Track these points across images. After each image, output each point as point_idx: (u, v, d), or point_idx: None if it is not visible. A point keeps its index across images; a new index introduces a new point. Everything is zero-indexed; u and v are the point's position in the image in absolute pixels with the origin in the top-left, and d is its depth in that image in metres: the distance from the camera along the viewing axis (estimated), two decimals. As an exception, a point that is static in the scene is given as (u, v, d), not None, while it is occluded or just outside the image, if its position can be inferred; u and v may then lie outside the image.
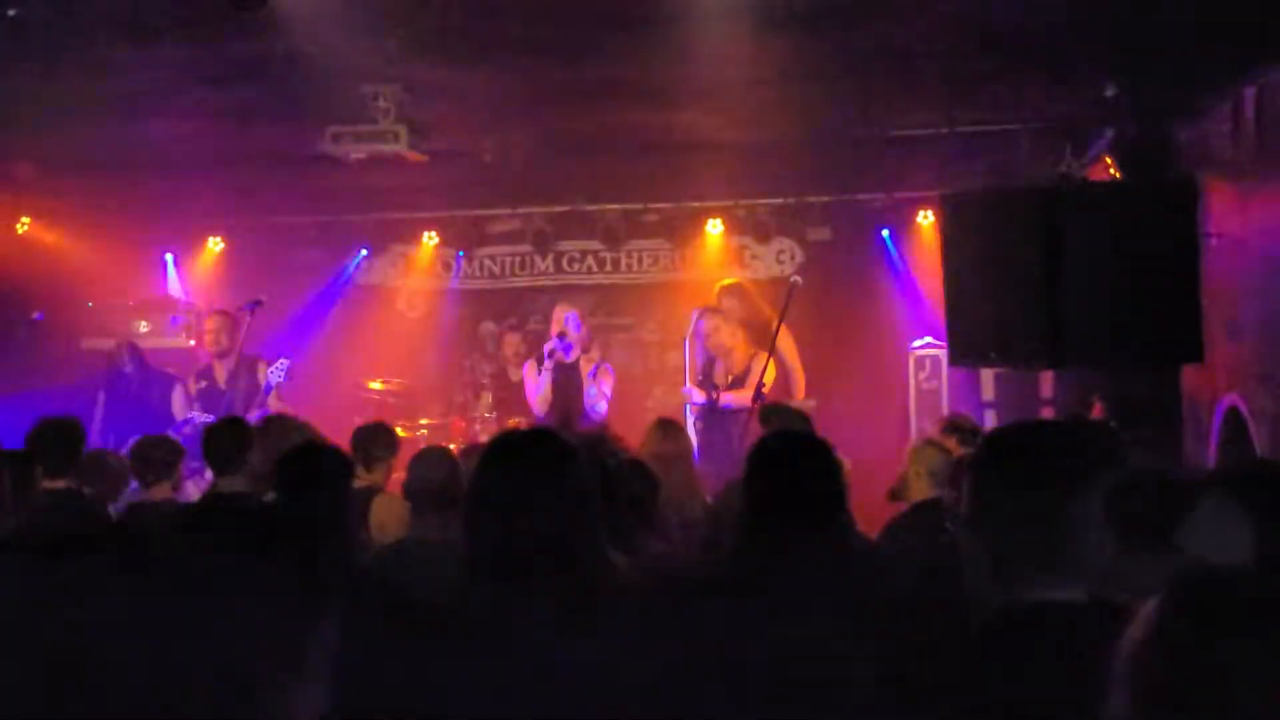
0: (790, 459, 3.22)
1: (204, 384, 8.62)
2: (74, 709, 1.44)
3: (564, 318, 8.96)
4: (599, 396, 8.74)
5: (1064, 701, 1.96)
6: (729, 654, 2.54)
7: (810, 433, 3.44)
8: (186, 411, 8.46)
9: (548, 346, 8.76)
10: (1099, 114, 7.32)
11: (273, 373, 8.22)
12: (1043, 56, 6.55)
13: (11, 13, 5.13)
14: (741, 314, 9.11)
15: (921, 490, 5.31)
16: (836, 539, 3.12)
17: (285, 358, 8.33)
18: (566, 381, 8.77)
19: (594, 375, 8.84)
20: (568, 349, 8.78)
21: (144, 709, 1.45)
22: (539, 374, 8.79)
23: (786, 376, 8.80)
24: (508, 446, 2.71)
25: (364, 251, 11.40)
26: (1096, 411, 7.00)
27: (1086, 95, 7.08)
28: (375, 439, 5.86)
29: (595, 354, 9.19)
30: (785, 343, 8.82)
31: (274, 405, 8.23)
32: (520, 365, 9.88)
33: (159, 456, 5.81)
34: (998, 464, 2.28)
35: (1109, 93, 6.83)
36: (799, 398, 8.61)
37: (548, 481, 2.50)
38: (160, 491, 5.69)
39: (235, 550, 2.09)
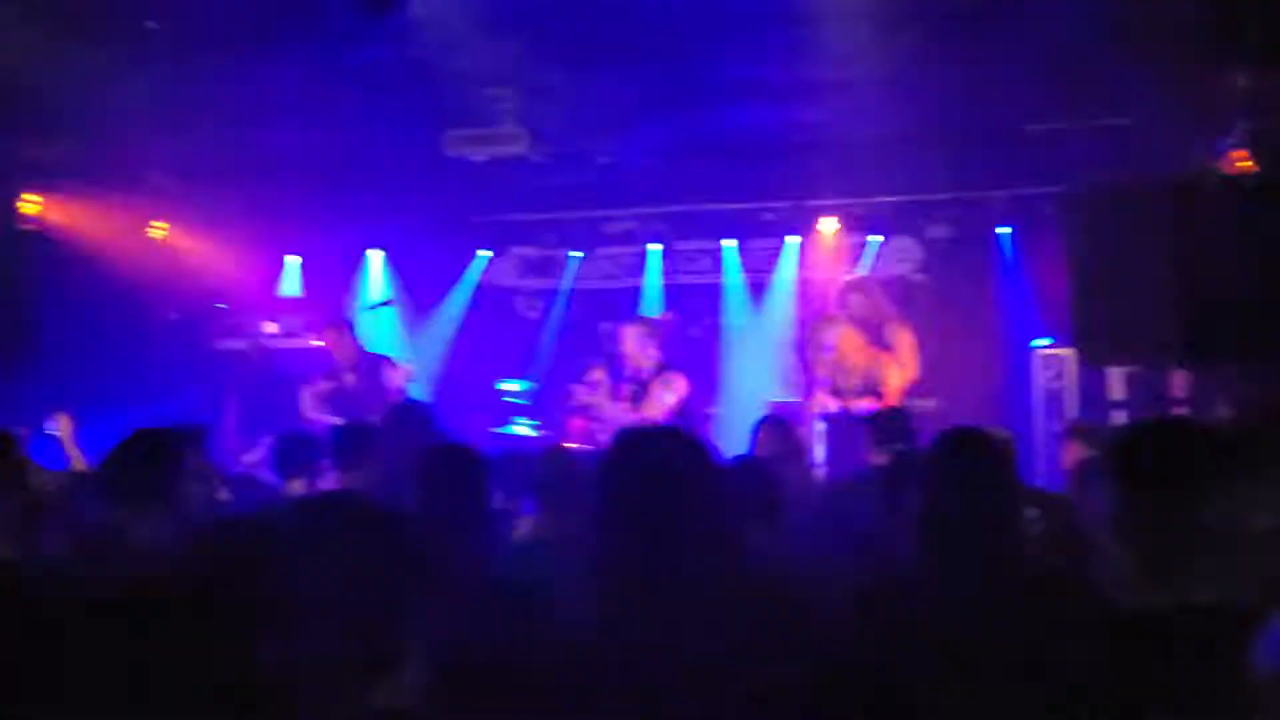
0: (967, 460, 3.14)
1: (332, 385, 8.80)
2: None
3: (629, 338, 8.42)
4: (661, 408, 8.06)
5: (1203, 707, 1.92)
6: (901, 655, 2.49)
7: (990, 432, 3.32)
8: (313, 412, 8.63)
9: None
10: (1232, 106, 7.12)
11: (398, 378, 8.37)
12: (1173, 48, 6.40)
13: (151, 25, 5.31)
14: (865, 312, 8.99)
15: None
16: (1008, 543, 3.03)
17: (410, 365, 8.48)
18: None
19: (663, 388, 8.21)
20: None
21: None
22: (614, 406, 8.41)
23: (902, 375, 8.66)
24: (635, 446, 2.69)
25: (489, 253, 11.52)
26: (1223, 413, 6.81)
27: (1219, 87, 6.90)
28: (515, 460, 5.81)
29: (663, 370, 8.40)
30: (903, 341, 8.71)
31: None
32: (636, 361, 9.85)
33: (299, 452, 5.89)
34: (1138, 463, 2.24)
35: (1243, 84, 6.64)
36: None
37: (684, 483, 2.49)
38: (299, 486, 5.78)
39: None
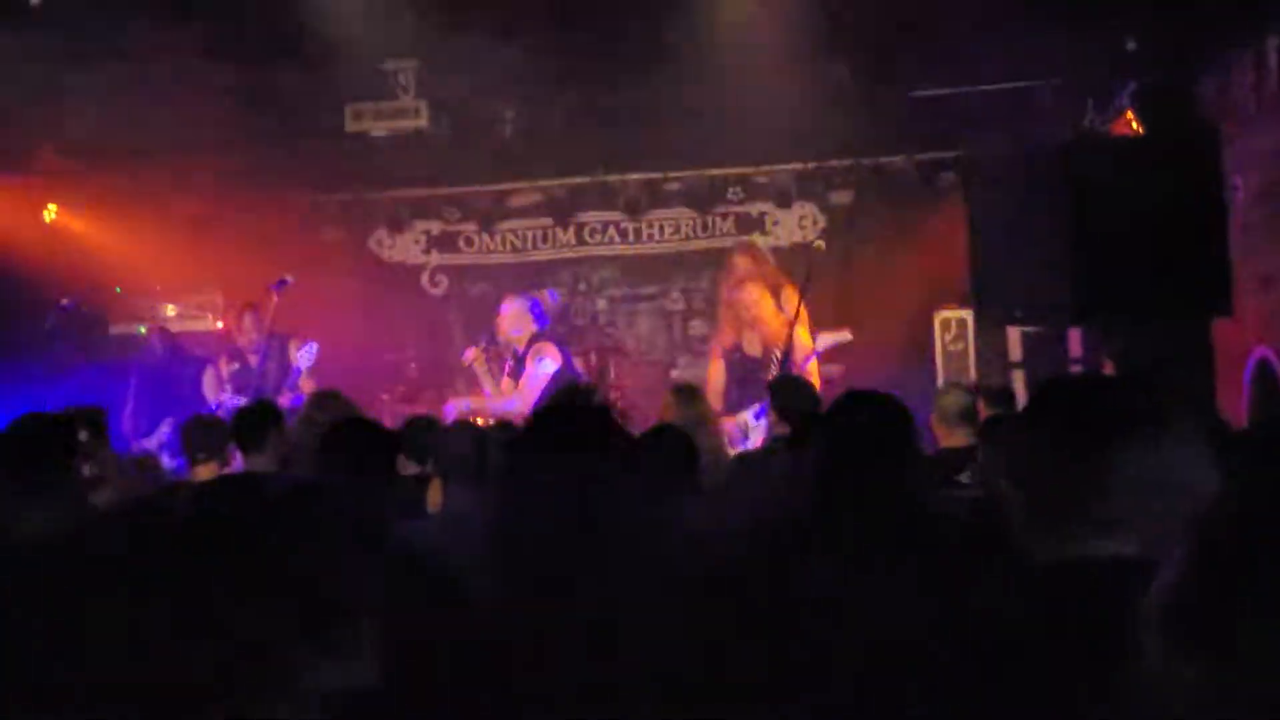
0: (864, 415, 3.23)
1: (236, 365, 8.68)
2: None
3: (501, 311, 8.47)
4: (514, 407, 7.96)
5: (1106, 657, 1.97)
6: (806, 608, 2.53)
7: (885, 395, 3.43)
8: (217, 393, 8.52)
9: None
10: (1120, 68, 7.28)
11: (301, 357, 8.28)
12: (1063, 11, 6.53)
13: (34, 1, 5.18)
14: (751, 275, 9.10)
15: (945, 436, 5.38)
16: (905, 494, 3.12)
17: (314, 342, 8.37)
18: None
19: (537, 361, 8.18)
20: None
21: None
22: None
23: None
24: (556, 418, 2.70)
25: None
26: (1106, 369, 7.00)
27: (1107, 49, 7.05)
28: (428, 431, 5.81)
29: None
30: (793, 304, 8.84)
31: (305, 387, 8.29)
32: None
33: (209, 436, 5.82)
34: (1044, 418, 2.27)
35: (1130, 46, 6.80)
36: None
37: (603, 453, 2.50)
38: (207, 471, 5.70)
39: (275, 528, 2.11)
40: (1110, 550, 2.09)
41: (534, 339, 8.22)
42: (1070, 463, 2.15)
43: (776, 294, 8.74)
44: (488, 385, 8.43)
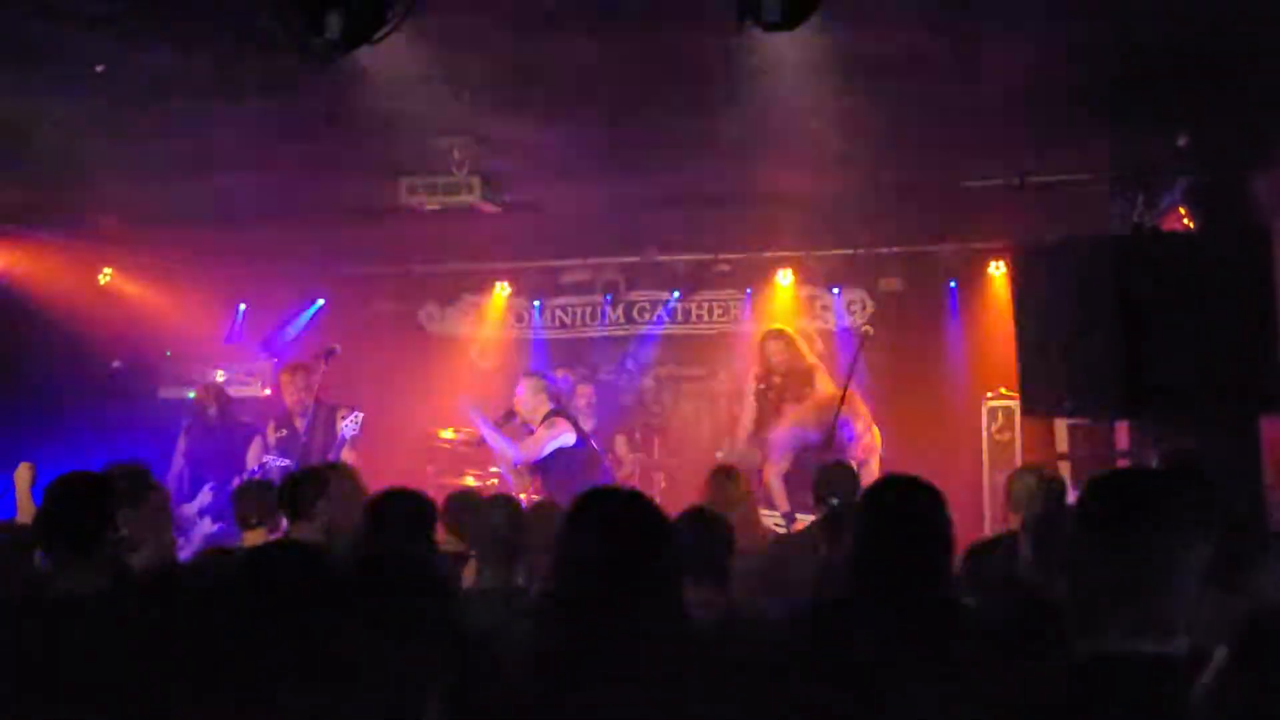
0: (903, 508, 3.20)
1: (284, 432, 8.76)
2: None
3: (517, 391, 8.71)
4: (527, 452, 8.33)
5: None
6: (820, 707, 2.51)
7: (920, 481, 3.41)
8: (261, 456, 8.58)
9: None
10: (1172, 164, 7.26)
11: (346, 426, 8.34)
12: (1115, 107, 6.53)
13: (100, 69, 5.30)
14: (783, 360, 9.18)
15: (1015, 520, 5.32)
16: (939, 592, 3.07)
17: (359, 411, 8.44)
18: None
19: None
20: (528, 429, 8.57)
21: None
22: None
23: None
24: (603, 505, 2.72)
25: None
26: (1153, 464, 6.89)
27: (1159, 145, 7.04)
28: (466, 506, 5.80)
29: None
30: (829, 387, 8.88)
31: (348, 456, 8.34)
32: (591, 416, 9.99)
33: (263, 500, 5.79)
34: (1092, 512, 2.26)
35: (1181, 142, 6.78)
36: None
37: (640, 542, 2.51)
38: (256, 536, 5.69)
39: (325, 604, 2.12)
40: (1153, 649, 2.07)
41: (549, 415, 8.45)
42: (1120, 560, 2.13)
43: (809, 379, 8.81)
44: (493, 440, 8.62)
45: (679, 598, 2.58)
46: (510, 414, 8.67)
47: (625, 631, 2.40)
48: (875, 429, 8.63)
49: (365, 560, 2.18)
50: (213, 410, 9.11)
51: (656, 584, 2.50)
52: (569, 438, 8.31)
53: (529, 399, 8.59)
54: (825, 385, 8.94)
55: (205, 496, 8.21)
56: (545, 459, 8.26)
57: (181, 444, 8.97)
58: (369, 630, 1.79)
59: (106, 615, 2.83)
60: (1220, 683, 1.43)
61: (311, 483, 5.43)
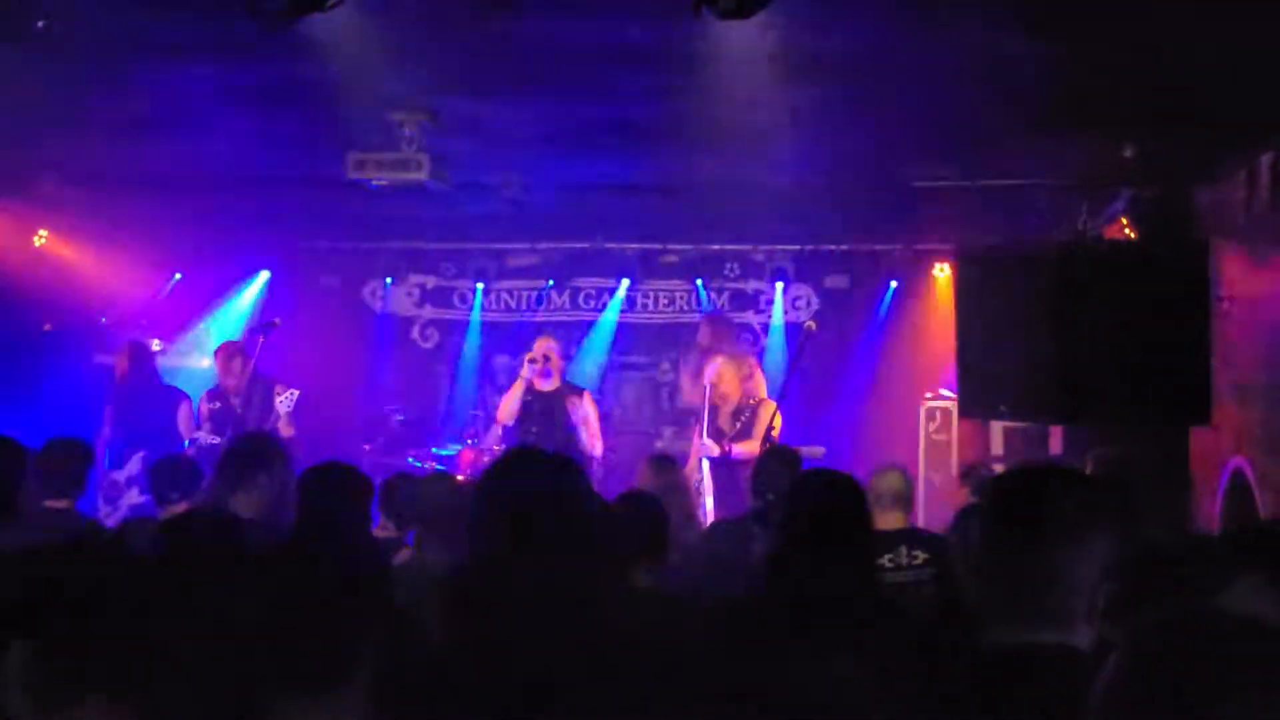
0: (825, 493, 3.26)
1: (217, 404, 8.65)
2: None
3: (546, 346, 9.00)
4: (592, 437, 8.78)
5: None
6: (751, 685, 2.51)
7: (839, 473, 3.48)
8: (193, 430, 8.47)
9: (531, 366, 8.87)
10: (1117, 174, 7.35)
11: (281, 403, 8.26)
12: (1064, 115, 6.59)
13: (40, 24, 5.19)
14: (713, 344, 9.22)
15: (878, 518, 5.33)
16: (863, 572, 3.13)
17: (296, 390, 8.36)
18: (545, 412, 8.79)
19: (580, 416, 8.81)
20: (546, 374, 8.83)
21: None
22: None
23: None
24: (515, 463, 2.69)
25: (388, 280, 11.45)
26: (1088, 469, 6.99)
27: (1105, 155, 7.11)
28: (405, 486, 5.73)
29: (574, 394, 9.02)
30: (759, 379, 8.92)
31: (284, 431, 8.26)
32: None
33: (179, 476, 5.70)
34: (995, 508, 2.31)
35: (1127, 153, 6.86)
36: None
37: (556, 501, 2.49)
38: (177, 510, 5.60)
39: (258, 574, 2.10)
40: (1055, 639, 2.12)
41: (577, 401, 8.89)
42: (1020, 554, 2.17)
43: (739, 368, 8.81)
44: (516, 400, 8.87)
45: (599, 569, 2.56)
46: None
47: (543, 601, 2.39)
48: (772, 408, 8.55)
49: (287, 530, 2.16)
50: (124, 366, 8.89)
51: (569, 553, 2.48)
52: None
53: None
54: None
55: (134, 465, 8.12)
56: None
57: (107, 411, 8.82)
58: (283, 599, 1.77)
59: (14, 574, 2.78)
60: (1109, 684, 1.46)
61: (254, 454, 5.30)
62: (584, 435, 8.67)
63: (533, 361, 8.75)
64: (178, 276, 11.00)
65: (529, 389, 8.82)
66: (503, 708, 2.28)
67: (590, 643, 2.38)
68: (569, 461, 2.71)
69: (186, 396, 8.78)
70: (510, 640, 2.38)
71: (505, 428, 8.98)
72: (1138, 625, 1.46)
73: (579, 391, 8.97)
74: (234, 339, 9.30)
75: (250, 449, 5.37)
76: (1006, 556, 2.20)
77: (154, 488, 5.79)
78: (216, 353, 8.96)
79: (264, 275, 11.20)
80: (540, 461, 2.69)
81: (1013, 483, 2.44)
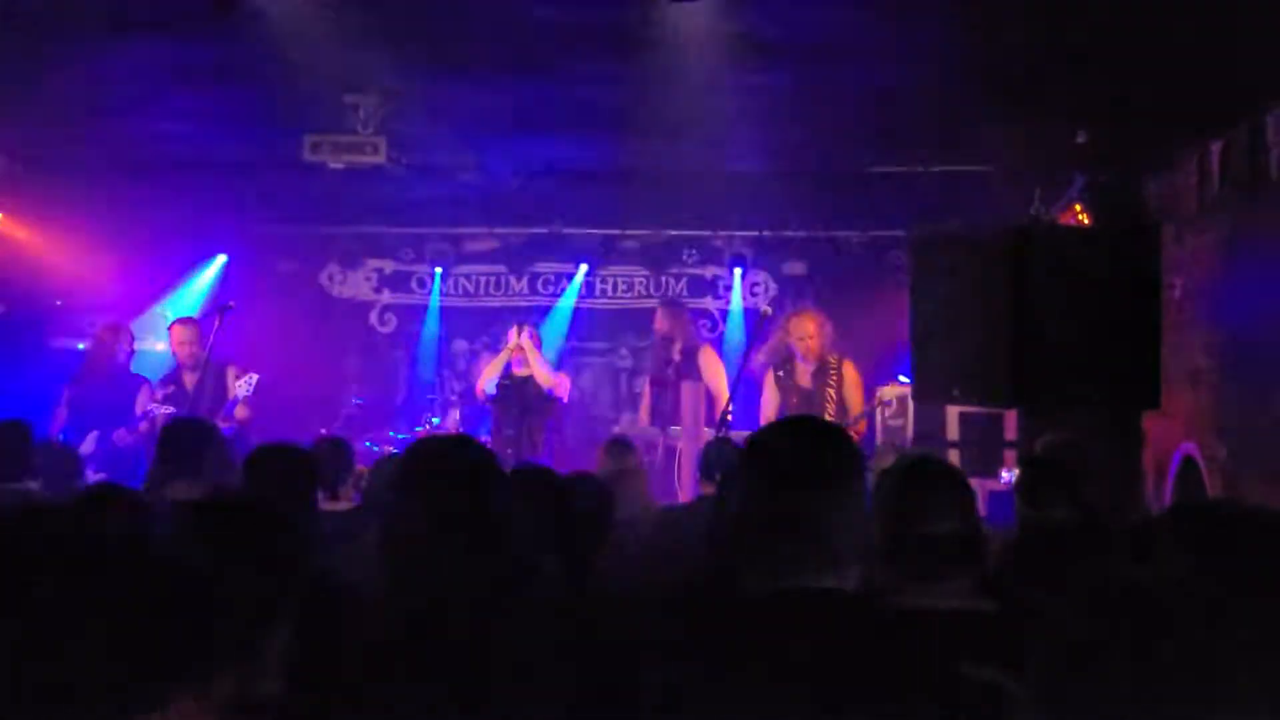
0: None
1: (171, 388, 8.57)
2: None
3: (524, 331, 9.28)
4: (557, 382, 9.24)
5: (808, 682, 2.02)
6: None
7: None
8: (146, 405, 8.36)
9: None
10: (1071, 160, 7.41)
11: (240, 386, 8.20)
12: (1019, 101, 6.64)
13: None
14: (668, 330, 9.30)
15: None
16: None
17: (255, 373, 8.29)
18: (521, 397, 8.96)
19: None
20: (518, 362, 9.09)
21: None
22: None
23: (711, 403, 8.91)
24: (428, 455, 2.69)
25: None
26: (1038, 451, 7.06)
27: (1060, 141, 7.17)
28: (336, 457, 5.72)
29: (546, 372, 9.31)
30: (715, 366, 9.04)
31: (240, 415, 8.21)
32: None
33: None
34: (754, 459, 2.34)
35: (1080, 139, 6.92)
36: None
37: (471, 494, 2.50)
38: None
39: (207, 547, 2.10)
40: (819, 583, 2.16)
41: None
42: (779, 501, 2.22)
43: (692, 354, 8.96)
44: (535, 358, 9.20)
45: (515, 548, 2.55)
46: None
47: (451, 577, 2.40)
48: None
49: (200, 503, 2.15)
50: (104, 346, 8.79)
51: (484, 531, 2.48)
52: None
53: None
54: (710, 365, 9.08)
55: (89, 445, 8.04)
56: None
57: (66, 392, 8.73)
58: (202, 566, 1.77)
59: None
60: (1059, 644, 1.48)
61: (190, 438, 5.21)
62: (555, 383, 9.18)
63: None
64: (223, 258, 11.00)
65: (506, 373, 9.09)
66: (424, 690, 2.28)
67: (514, 626, 2.38)
68: (479, 445, 2.71)
69: (147, 381, 8.70)
70: (431, 620, 2.37)
71: (485, 399, 9.26)
72: (1091, 587, 1.48)
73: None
74: (190, 316, 9.19)
75: (187, 433, 5.26)
76: (765, 505, 2.24)
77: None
78: (171, 329, 8.86)
79: (220, 259, 11.11)
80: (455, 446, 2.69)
81: (770, 435, 2.47)
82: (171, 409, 7.95)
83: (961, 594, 2.75)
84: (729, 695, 2.05)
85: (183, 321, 8.85)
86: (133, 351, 9.02)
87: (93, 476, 7.09)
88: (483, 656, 2.27)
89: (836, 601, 2.15)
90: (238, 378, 8.30)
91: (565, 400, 9.43)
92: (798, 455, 2.27)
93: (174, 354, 8.65)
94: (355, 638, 2.33)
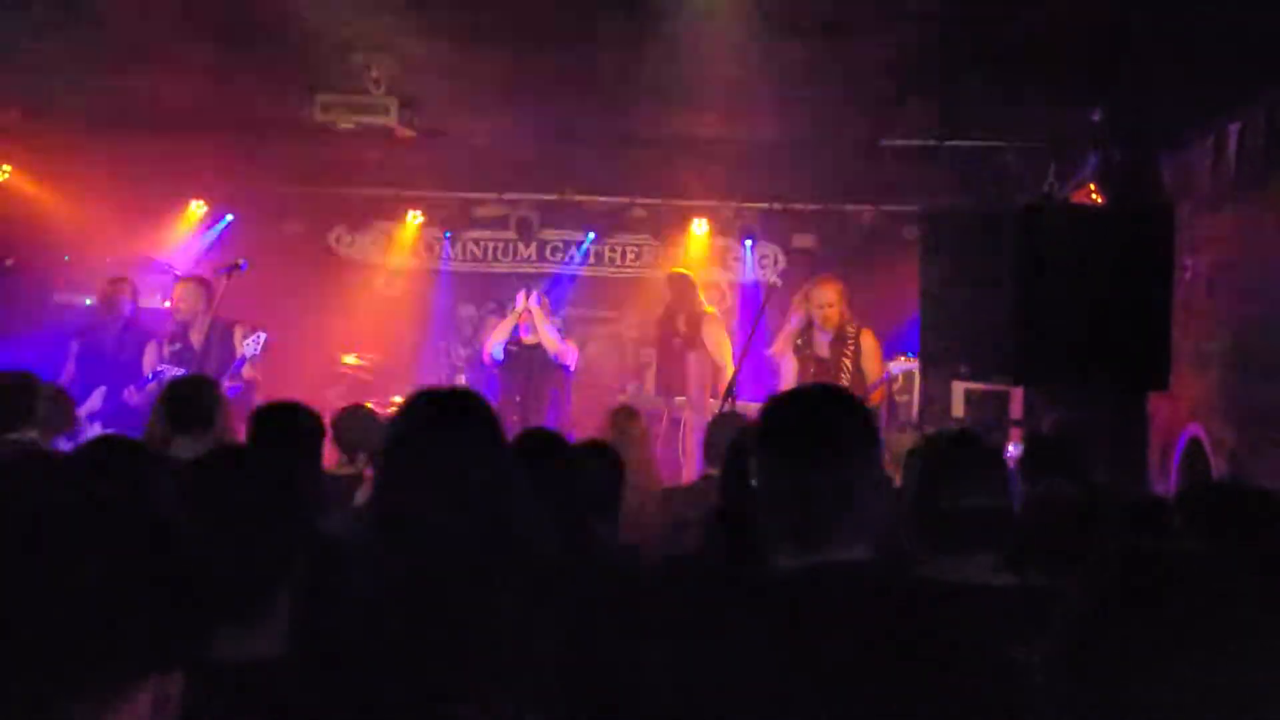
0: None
1: (177, 345, 8.56)
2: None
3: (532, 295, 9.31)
4: (565, 349, 9.26)
5: (852, 650, 2.01)
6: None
7: None
8: (156, 365, 8.36)
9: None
10: (1085, 138, 7.36)
11: (248, 345, 8.17)
12: (1034, 77, 6.59)
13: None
14: (676, 300, 9.30)
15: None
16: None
17: (262, 332, 8.26)
18: (528, 363, 8.96)
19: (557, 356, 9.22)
20: (526, 329, 9.08)
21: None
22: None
23: (716, 374, 8.90)
24: (433, 404, 2.65)
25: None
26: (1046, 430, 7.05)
27: (1074, 118, 7.12)
28: (359, 423, 5.71)
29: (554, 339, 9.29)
30: (720, 337, 9.04)
31: (248, 374, 8.20)
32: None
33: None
34: (771, 432, 2.32)
35: (1095, 117, 6.86)
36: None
37: (476, 443, 2.47)
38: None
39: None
40: (847, 555, 2.15)
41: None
42: (799, 474, 2.20)
43: (697, 325, 8.94)
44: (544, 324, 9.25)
45: (513, 510, 2.52)
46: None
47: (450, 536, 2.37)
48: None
49: (204, 460, 2.14)
50: (115, 299, 8.78)
51: (491, 491, 2.45)
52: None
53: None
54: (716, 334, 9.07)
55: (96, 401, 8.04)
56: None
57: (74, 346, 8.72)
58: (202, 529, 1.76)
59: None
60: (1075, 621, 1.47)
61: (191, 396, 5.14)
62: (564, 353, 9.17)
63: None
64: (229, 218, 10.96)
65: (514, 338, 9.10)
66: (419, 651, 2.26)
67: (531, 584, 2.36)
68: (476, 399, 2.64)
69: (154, 338, 8.68)
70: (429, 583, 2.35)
71: (492, 364, 9.24)
72: (1103, 561, 1.47)
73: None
74: (198, 275, 9.17)
75: (188, 390, 5.26)
76: (784, 479, 2.22)
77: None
78: (177, 287, 8.83)
79: (227, 218, 11.09)
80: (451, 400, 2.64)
81: (789, 406, 2.43)
82: (180, 370, 7.95)
83: (984, 569, 2.75)
84: (752, 673, 2.03)
85: (189, 279, 8.82)
86: (137, 305, 9.01)
87: (100, 430, 7.11)
88: (478, 621, 2.25)
89: (869, 573, 2.14)
90: (245, 337, 8.28)
91: (573, 369, 9.39)
92: (820, 426, 2.24)
93: (179, 310, 8.62)
94: (355, 598, 2.32)
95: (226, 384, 7.84)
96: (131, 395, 8.22)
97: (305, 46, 6.72)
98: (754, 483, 2.25)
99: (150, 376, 8.15)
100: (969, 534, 2.78)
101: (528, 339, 9.09)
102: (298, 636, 2.10)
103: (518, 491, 2.43)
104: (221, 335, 8.39)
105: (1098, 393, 6.72)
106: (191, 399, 5.11)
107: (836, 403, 2.36)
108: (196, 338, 8.46)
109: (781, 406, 2.41)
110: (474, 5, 6.29)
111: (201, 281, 8.72)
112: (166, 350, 8.53)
